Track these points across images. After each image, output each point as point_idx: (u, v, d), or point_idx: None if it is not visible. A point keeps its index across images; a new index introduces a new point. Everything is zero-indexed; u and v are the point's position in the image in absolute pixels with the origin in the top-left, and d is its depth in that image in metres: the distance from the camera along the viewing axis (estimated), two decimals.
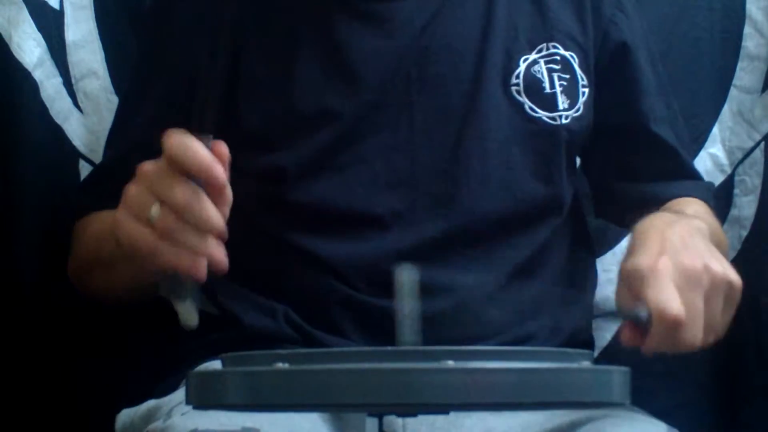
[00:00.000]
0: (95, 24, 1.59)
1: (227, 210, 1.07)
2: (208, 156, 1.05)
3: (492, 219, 1.34)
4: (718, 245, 1.19)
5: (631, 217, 1.21)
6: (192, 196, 1.05)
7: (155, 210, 1.06)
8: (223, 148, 1.06)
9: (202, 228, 1.06)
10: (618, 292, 1.14)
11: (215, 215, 1.06)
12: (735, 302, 1.14)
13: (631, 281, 1.12)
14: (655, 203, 1.34)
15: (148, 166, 1.08)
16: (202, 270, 1.06)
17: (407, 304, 0.94)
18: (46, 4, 1.55)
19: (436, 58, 1.35)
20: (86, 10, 1.59)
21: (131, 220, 1.08)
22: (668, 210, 1.34)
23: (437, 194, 1.33)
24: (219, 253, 1.07)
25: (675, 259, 1.11)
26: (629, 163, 1.44)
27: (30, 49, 1.52)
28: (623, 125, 1.42)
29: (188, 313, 1.10)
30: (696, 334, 1.10)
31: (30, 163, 1.52)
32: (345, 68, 1.34)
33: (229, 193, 1.07)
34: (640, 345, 1.11)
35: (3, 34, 1.51)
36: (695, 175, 1.46)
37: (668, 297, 1.08)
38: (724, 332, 1.15)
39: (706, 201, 1.41)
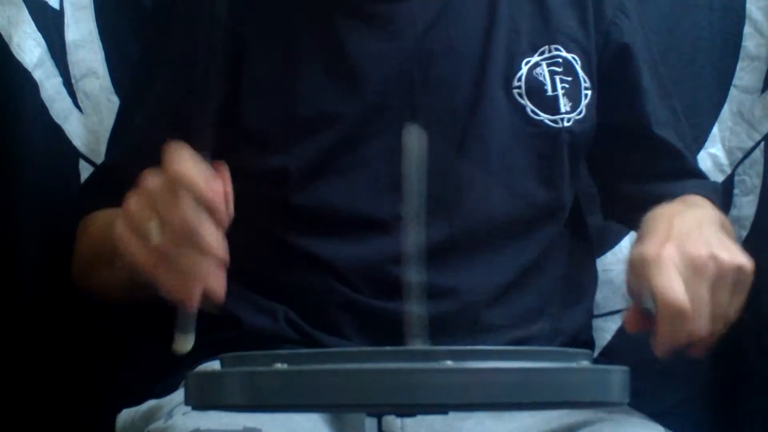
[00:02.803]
0: (95, 24, 1.59)
1: (226, 226, 1.06)
2: (209, 181, 1.04)
3: (494, 222, 1.34)
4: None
5: (639, 217, 1.22)
6: (192, 218, 1.04)
7: (154, 228, 1.05)
8: (224, 169, 1.06)
9: (201, 252, 1.05)
10: (627, 281, 1.15)
11: (215, 240, 1.05)
12: (746, 286, 1.15)
13: (637, 269, 1.12)
14: (661, 202, 1.34)
15: (150, 180, 1.07)
16: (194, 299, 1.06)
17: (415, 171, 0.94)
18: (46, 4, 1.55)
19: (438, 61, 1.35)
20: (86, 10, 1.58)
21: (131, 236, 1.08)
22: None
23: (439, 197, 1.33)
24: (218, 281, 1.05)
25: (681, 248, 1.12)
26: (633, 166, 1.44)
27: (30, 49, 1.52)
28: (626, 128, 1.42)
29: (184, 342, 1.10)
30: (702, 324, 1.10)
31: (30, 163, 1.52)
32: (347, 70, 1.34)
33: (229, 212, 1.07)
34: (645, 333, 1.11)
35: (3, 34, 1.51)
36: (700, 175, 1.46)
37: (673, 287, 1.09)
38: (735, 317, 1.15)
39: (711, 199, 1.41)
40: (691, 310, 1.09)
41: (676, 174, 1.43)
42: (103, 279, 1.36)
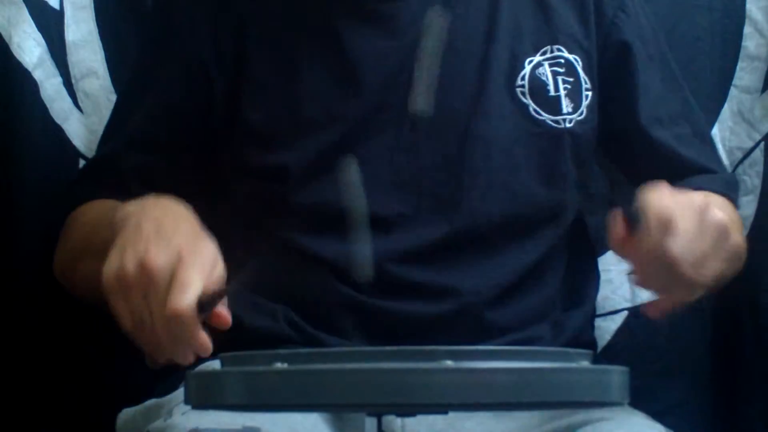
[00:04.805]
0: (95, 24, 1.59)
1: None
2: (200, 336, 1.09)
3: (495, 222, 1.34)
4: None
5: None
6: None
7: (147, 315, 1.08)
8: (225, 319, 1.10)
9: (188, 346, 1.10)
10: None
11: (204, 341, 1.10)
12: (727, 254, 1.16)
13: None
14: None
15: (160, 262, 1.08)
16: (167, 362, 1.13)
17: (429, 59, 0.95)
18: (46, 4, 1.55)
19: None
20: (86, 10, 1.59)
21: (121, 301, 1.10)
22: None
23: (441, 196, 1.33)
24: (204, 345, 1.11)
25: (681, 194, 1.14)
26: (634, 169, 1.43)
27: (30, 49, 1.52)
28: (622, 129, 1.41)
29: None
30: (683, 247, 1.11)
31: (30, 163, 1.52)
32: (348, 69, 1.34)
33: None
34: (627, 243, 1.12)
35: (3, 34, 1.51)
36: (708, 170, 1.44)
37: (664, 200, 1.12)
38: (711, 282, 1.16)
39: (722, 193, 1.40)
40: (676, 228, 1.10)
41: (679, 175, 1.41)
42: (88, 271, 1.35)
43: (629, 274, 1.17)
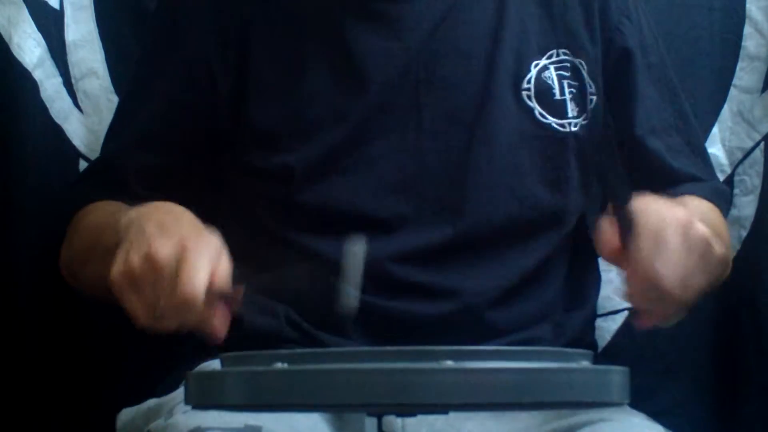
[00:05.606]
0: (95, 24, 1.59)
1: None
2: (213, 316, 1.11)
3: (499, 225, 1.33)
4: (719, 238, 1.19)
5: None
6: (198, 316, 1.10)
7: (160, 310, 1.10)
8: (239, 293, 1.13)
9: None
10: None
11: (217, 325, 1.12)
12: (712, 268, 1.15)
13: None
14: None
15: (163, 254, 1.09)
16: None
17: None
18: (46, 4, 1.55)
19: (444, 61, 1.34)
20: (86, 10, 1.59)
21: (132, 295, 1.11)
22: None
23: (444, 198, 1.33)
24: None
25: (666, 208, 1.14)
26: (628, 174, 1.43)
27: (30, 49, 1.52)
28: (617, 135, 1.41)
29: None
30: (670, 265, 1.11)
31: (30, 163, 1.52)
32: (353, 69, 1.34)
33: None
34: (617, 254, 1.12)
35: (3, 34, 1.51)
36: (698, 179, 1.43)
37: (656, 213, 1.12)
38: (697, 296, 1.15)
39: (709, 199, 1.40)
40: (665, 244, 1.10)
41: (668, 184, 1.41)
42: (95, 273, 1.35)
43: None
